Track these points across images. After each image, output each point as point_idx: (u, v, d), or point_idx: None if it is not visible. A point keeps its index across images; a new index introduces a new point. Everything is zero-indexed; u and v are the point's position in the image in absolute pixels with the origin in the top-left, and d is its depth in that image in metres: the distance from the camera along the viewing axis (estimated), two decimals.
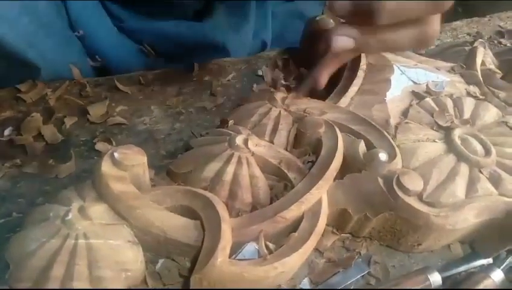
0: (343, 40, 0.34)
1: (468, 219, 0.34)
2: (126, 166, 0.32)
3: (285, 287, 0.33)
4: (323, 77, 0.39)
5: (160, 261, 0.32)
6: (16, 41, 0.44)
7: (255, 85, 0.49)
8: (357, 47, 0.34)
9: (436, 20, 0.33)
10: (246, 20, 0.62)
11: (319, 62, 0.40)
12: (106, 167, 0.31)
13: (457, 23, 0.67)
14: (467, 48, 0.53)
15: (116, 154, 0.32)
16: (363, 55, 0.46)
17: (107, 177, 0.31)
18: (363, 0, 0.31)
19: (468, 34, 0.65)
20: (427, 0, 0.30)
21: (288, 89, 0.44)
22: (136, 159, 0.32)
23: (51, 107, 0.43)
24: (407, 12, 0.31)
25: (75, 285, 0.27)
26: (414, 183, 0.34)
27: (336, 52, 0.35)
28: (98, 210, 0.30)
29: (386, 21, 0.31)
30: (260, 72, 0.51)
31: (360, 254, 0.36)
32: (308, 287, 0.34)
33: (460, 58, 0.51)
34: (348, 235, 0.37)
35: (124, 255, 0.29)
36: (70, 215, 0.28)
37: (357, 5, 0.32)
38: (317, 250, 0.35)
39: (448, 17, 0.73)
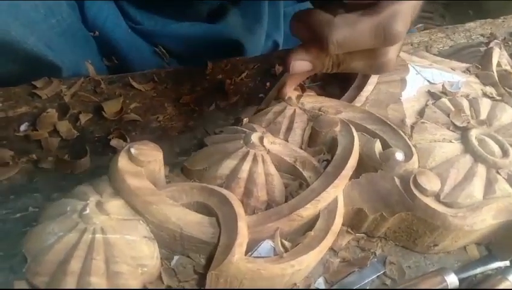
0: (300, 64, 0.35)
1: (486, 220, 0.34)
2: (142, 162, 0.32)
3: (300, 286, 0.33)
4: (287, 90, 0.40)
5: (175, 257, 0.32)
6: (37, 44, 0.45)
7: (268, 84, 0.49)
8: (314, 68, 0.35)
9: (391, 50, 0.34)
10: (259, 22, 0.63)
11: (282, 77, 0.41)
12: (123, 162, 0.31)
13: (471, 24, 0.66)
14: (482, 49, 0.53)
15: (132, 150, 0.32)
16: None
17: (123, 172, 0.31)
18: (316, 28, 0.32)
19: (482, 35, 0.64)
20: (375, 35, 0.31)
21: (302, 88, 0.44)
22: (152, 155, 0.32)
23: (66, 103, 0.43)
24: (356, 44, 0.32)
25: (92, 280, 0.27)
26: (431, 183, 0.34)
27: (293, 74, 0.36)
28: (115, 205, 0.30)
29: (336, 51, 0.32)
30: (272, 71, 0.51)
31: (375, 254, 0.36)
32: (323, 287, 0.33)
33: (475, 59, 0.51)
34: (363, 235, 0.37)
35: (140, 250, 0.29)
36: (87, 210, 0.28)
37: (311, 32, 0.33)
38: (332, 249, 0.35)
39: (460, 20, 0.73)
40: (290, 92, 0.41)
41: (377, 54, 0.33)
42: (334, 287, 0.34)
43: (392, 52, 0.34)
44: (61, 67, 0.48)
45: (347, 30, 0.31)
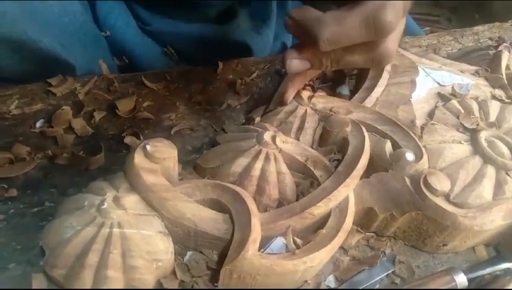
0: (296, 63, 0.34)
1: (496, 220, 0.34)
2: (158, 159, 0.32)
3: (311, 283, 0.33)
4: (289, 94, 0.40)
5: (189, 253, 0.33)
6: (52, 43, 0.45)
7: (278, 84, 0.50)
8: (313, 66, 0.35)
9: (389, 41, 0.33)
10: (267, 23, 0.63)
11: (284, 80, 0.41)
12: (138, 159, 0.32)
13: (479, 27, 0.67)
14: (491, 52, 0.53)
15: (148, 147, 0.32)
16: None
17: (139, 169, 0.31)
18: (307, 26, 0.32)
19: (490, 39, 0.64)
20: (366, 28, 0.30)
21: (313, 88, 0.44)
22: (167, 152, 0.33)
23: (80, 101, 0.44)
24: (347, 39, 0.31)
25: (109, 273, 0.28)
26: (442, 183, 0.34)
27: (292, 74, 0.36)
28: (131, 200, 0.31)
29: (328, 48, 0.31)
30: (283, 72, 0.52)
31: (384, 253, 0.36)
32: (333, 284, 0.34)
33: (484, 62, 0.51)
34: (373, 234, 0.37)
35: (156, 245, 0.30)
36: (105, 205, 0.29)
37: (302, 32, 0.32)
38: (342, 248, 0.36)
39: (467, 23, 0.73)
40: (291, 97, 0.41)
41: (373, 46, 0.33)
42: (344, 285, 0.34)
43: (390, 42, 0.33)
44: (74, 66, 0.48)
45: (336, 26, 0.30)
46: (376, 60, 0.34)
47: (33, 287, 0.29)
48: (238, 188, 0.33)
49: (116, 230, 0.29)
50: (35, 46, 0.44)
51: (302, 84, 0.42)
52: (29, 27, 0.43)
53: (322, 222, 0.33)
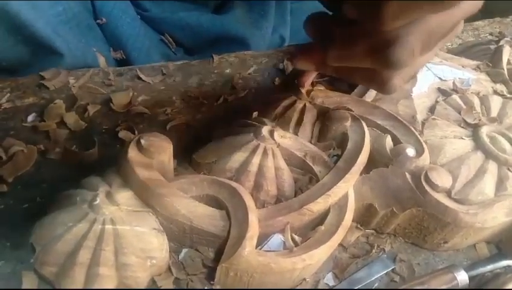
0: (302, 63, 0.35)
1: (498, 217, 0.34)
2: (152, 153, 0.31)
3: (309, 281, 0.32)
4: (304, 79, 0.40)
5: (184, 251, 0.32)
6: (44, 29, 0.44)
7: (277, 79, 0.49)
8: (318, 70, 0.37)
9: (396, 76, 0.31)
10: (265, 16, 0.62)
11: None
12: (132, 153, 0.31)
13: (479, 23, 0.66)
14: (491, 47, 0.52)
15: (143, 141, 0.31)
16: None
17: (133, 163, 0.31)
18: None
19: (491, 34, 0.63)
20: (371, 58, 0.29)
21: (312, 83, 0.44)
22: (163, 147, 0.32)
23: (73, 94, 0.43)
24: (351, 62, 0.31)
25: (101, 271, 0.27)
26: (443, 179, 0.33)
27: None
28: (125, 196, 0.30)
29: (333, 64, 0.32)
30: (281, 66, 0.51)
31: (384, 250, 0.36)
32: (332, 282, 0.33)
33: (485, 56, 0.51)
34: (372, 231, 0.37)
35: (150, 242, 0.29)
36: (98, 200, 0.28)
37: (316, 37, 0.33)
38: (341, 245, 0.35)
39: (467, 19, 0.72)
40: (308, 82, 0.40)
41: (377, 74, 0.31)
42: (342, 283, 0.33)
43: (395, 78, 0.31)
44: (63, 54, 0.47)
45: (343, 47, 0.31)
46: (375, 88, 0.34)
47: (23, 286, 0.29)
48: (235, 184, 0.32)
49: (108, 227, 0.28)
50: (29, 31, 0.42)
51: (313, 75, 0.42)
52: (23, 11, 0.42)
53: (321, 219, 0.33)
